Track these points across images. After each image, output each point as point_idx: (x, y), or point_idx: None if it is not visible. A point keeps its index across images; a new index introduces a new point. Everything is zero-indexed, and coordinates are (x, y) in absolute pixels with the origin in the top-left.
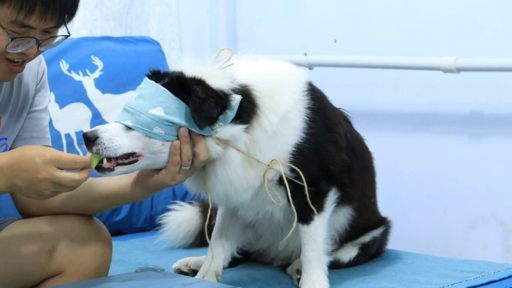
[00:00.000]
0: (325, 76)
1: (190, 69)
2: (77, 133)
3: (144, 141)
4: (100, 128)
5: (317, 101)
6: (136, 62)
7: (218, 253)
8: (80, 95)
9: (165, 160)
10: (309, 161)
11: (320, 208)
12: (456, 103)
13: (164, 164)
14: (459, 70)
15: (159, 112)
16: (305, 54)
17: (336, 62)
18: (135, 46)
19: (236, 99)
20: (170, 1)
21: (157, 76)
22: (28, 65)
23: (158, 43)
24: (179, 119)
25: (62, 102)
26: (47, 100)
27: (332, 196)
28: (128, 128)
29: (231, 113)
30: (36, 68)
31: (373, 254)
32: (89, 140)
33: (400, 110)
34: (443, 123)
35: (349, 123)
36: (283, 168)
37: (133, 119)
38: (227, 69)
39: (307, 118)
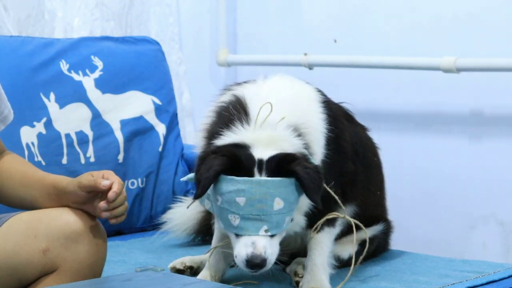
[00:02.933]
0: (325, 76)
1: (252, 138)
2: (77, 133)
3: (283, 234)
4: (260, 250)
5: (331, 117)
6: (136, 62)
7: (219, 261)
8: (80, 95)
9: None
10: (329, 174)
11: (332, 224)
12: (456, 103)
13: None
14: (459, 70)
15: (280, 204)
16: (305, 54)
17: (336, 62)
18: (135, 46)
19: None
20: (170, 1)
21: (233, 167)
22: None
23: (158, 43)
24: (295, 196)
25: (62, 102)
26: None
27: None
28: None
29: None
30: None
31: (373, 252)
32: (259, 266)
33: (400, 110)
34: (443, 123)
35: (350, 119)
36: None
37: (269, 226)
38: (278, 123)
39: (326, 136)
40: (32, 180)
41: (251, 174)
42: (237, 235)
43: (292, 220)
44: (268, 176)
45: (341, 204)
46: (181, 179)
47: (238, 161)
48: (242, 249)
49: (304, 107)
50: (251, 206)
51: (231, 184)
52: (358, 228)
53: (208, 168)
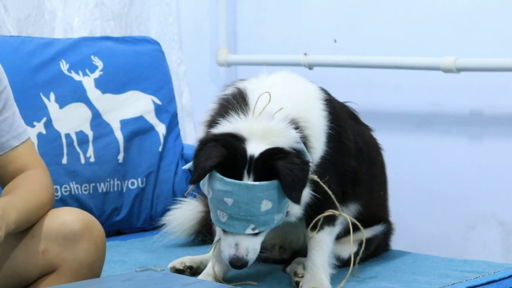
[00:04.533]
0: (325, 76)
1: (249, 129)
2: (77, 133)
3: (269, 231)
4: (241, 253)
5: (333, 115)
6: (136, 62)
7: (221, 262)
8: (80, 95)
9: None
10: (328, 171)
11: (332, 223)
12: (456, 103)
13: None
14: (459, 70)
15: (267, 205)
16: (305, 54)
17: (336, 62)
18: (135, 46)
19: (304, 148)
20: (170, 1)
21: (229, 160)
22: None
23: (158, 43)
24: (283, 196)
25: (62, 102)
26: (3, 97)
27: (343, 218)
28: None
29: None
30: None
31: (373, 251)
32: (240, 267)
33: (400, 110)
34: (443, 123)
35: (354, 118)
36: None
37: (256, 225)
38: (274, 113)
39: (327, 134)
40: None
41: (240, 175)
42: (225, 231)
43: (283, 216)
44: (255, 176)
45: (336, 202)
46: (184, 167)
47: (233, 156)
48: (226, 248)
49: (305, 103)
50: (238, 207)
51: (220, 183)
52: (356, 227)
53: (206, 157)
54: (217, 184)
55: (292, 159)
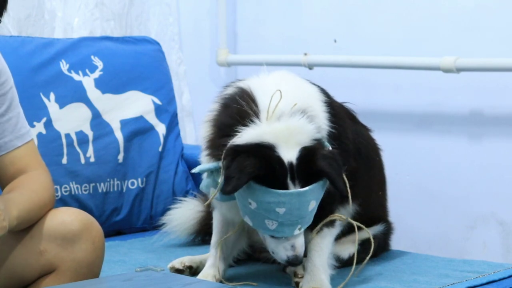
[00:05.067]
0: (325, 76)
1: (273, 134)
2: (77, 133)
3: None
4: (299, 252)
5: (333, 116)
6: (136, 62)
7: (219, 263)
8: (80, 95)
9: None
10: None
11: (331, 225)
12: (456, 103)
13: None
14: (459, 70)
15: (313, 204)
16: (305, 54)
17: (336, 62)
18: (135, 46)
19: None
20: (170, 1)
21: (271, 176)
22: None
23: (158, 43)
24: (323, 192)
25: (62, 102)
26: (8, 97)
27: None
28: None
29: None
30: None
31: (373, 252)
32: (299, 264)
33: (400, 110)
34: (443, 123)
35: (353, 118)
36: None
37: (302, 225)
38: (293, 113)
39: (328, 133)
40: None
41: (285, 184)
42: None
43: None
44: (301, 181)
45: (349, 197)
46: (193, 171)
47: (270, 166)
48: (282, 251)
49: (307, 99)
50: (290, 214)
51: (271, 196)
52: (359, 228)
53: (241, 169)
54: (266, 197)
55: (325, 155)
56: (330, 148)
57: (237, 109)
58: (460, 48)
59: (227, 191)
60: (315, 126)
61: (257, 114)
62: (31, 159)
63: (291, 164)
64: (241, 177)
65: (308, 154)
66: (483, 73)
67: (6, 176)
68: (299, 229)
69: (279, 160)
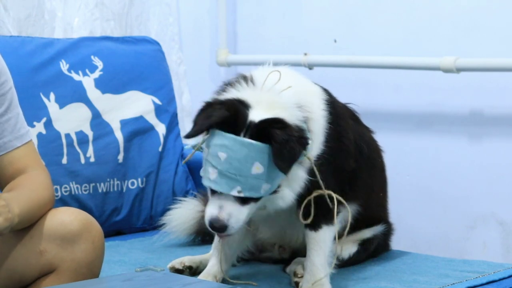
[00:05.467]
0: (325, 76)
1: (255, 98)
2: (77, 133)
3: (257, 203)
4: (223, 216)
5: (333, 115)
6: (136, 62)
7: (222, 263)
8: (80, 95)
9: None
10: (326, 170)
11: (330, 222)
12: (456, 103)
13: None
14: (459, 70)
15: (259, 169)
16: (305, 54)
17: (336, 62)
18: (135, 46)
19: (305, 127)
20: (170, 1)
21: (229, 120)
22: None
23: (158, 43)
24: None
25: (62, 102)
26: (8, 97)
27: (341, 216)
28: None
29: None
30: None
31: (373, 252)
32: (219, 230)
33: (400, 110)
34: (443, 123)
35: (355, 119)
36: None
37: (241, 186)
38: (282, 90)
39: (326, 133)
40: None
41: (238, 133)
42: (212, 192)
43: (271, 189)
44: (252, 139)
45: (320, 181)
46: (185, 147)
47: (234, 119)
48: (209, 209)
49: (308, 100)
50: (230, 164)
51: (218, 138)
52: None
53: (208, 116)
54: (215, 139)
55: (290, 131)
56: (308, 138)
57: (232, 83)
58: (460, 48)
59: (187, 134)
60: (301, 114)
61: (252, 85)
62: (30, 160)
63: (251, 122)
64: (203, 123)
65: (273, 121)
66: (483, 73)
67: (5, 177)
68: (238, 192)
69: (244, 116)
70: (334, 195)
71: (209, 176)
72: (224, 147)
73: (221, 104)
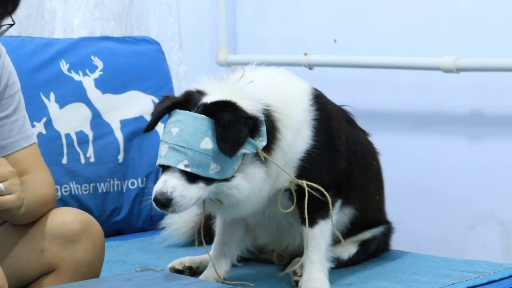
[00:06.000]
0: (325, 76)
1: (213, 88)
2: (77, 133)
3: (209, 187)
4: (167, 188)
5: (322, 111)
6: (136, 62)
7: (221, 263)
8: (80, 95)
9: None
10: (317, 165)
11: (326, 215)
12: (456, 103)
13: None
14: (459, 70)
15: (208, 144)
16: (305, 54)
17: (336, 62)
18: (135, 46)
19: (263, 120)
20: (170, 1)
21: (183, 104)
22: None
23: (158, 43)
24: None
25: (62, 102)
26: (16, 98)
27: (338, 207)
28: (187, 172)
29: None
30: None
31: (372, 252)
32: (164, 204)
33: (400, 110)
34: (443, 123)
35: (351, 122)
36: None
37: (189, 160)
38: (248, 87)
39: (314, 128)
40: None
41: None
42: (163, 171)
43: (220, 171)
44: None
45: (290, 174)
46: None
47: (188, 102)
48: (156, 185)
49: (287, 96)
50: (180, 137)
51: (173, 115)
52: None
53: (163, 105)
54: (170, 118)
55: (238, 114)
56: (264, 141)
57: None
58: (460, 48)
59: (145, 129)
60: (261, 107)
61: (215, 79)
62: (34, 161)
63: (203, 104)
64: (158, 111)
65: (223, 104)
66: (483, 73)
67: None
68: (185, 166)
69: (197, 99)
70: (306, 184)
71: (160, 154)
72: (177, 122)
73: (178, 95)
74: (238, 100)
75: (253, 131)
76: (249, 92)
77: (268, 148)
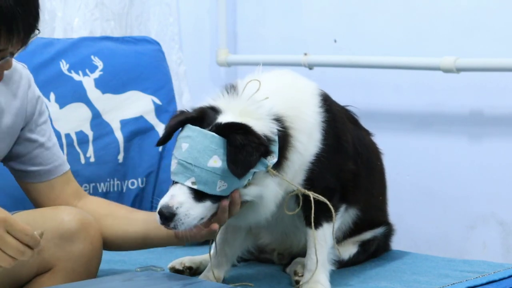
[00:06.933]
0: (325, 76)
1: (228, 106)
2: (77, 133)
3: (215, 206)
4: (173, 203)
5: (329, 112)
6: (136, 62)
7: (222, 263)
8: (80, 95)
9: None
10: (325, 169)
11: (330, 218)
12: (456, 103)
13: None
14: (459, 70)
15: (216, 162)
16: (305, 54)
17: (336, 62)
18: (135, 46)
19: (276, 140)
20: (170, 1)
21: (197, 120)
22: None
23: (158, 43)
24: None
25: (62, 102)
26: (49, 124)
27: (342, 212)
28: (194, 190)
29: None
30: (24, 100)
31: (373, 252)
32: (167, 218)
33: (400, 110)
34: (443, 123)
35: (354, 122)
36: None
37: (196, 178)
38: (260, 101)
39: (323, 130)
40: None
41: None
42: (172, 183)
43: (227, 188)
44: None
45: (287, 179)
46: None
47: (202, 119)
48: (163, 198)
49: (297, 100)
50: (189, 154)
51: (184, 131)
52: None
53: (176, 119)
54: (182, 132)
55: (251, 138)
56: (275, 158)
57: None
58: (460, 48)
59: (160, 140)
60: (276, 127)
61: (229, 95)
62: (76, 183)
63: (217, 123)
64: (171, 125)
65: (236, 126)
66: (483, 73)
67: (66, 194)
68: (192, 183)
69: (212, 118)
70: (312, 195)
71: (171, 169)
72: (188, 138)
73: (192, 110)
74: (253, 121)
75: (265, 154)
76: (263, 111)
77: (283, 157)
